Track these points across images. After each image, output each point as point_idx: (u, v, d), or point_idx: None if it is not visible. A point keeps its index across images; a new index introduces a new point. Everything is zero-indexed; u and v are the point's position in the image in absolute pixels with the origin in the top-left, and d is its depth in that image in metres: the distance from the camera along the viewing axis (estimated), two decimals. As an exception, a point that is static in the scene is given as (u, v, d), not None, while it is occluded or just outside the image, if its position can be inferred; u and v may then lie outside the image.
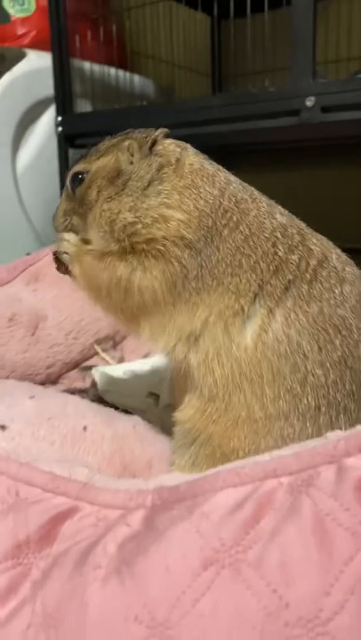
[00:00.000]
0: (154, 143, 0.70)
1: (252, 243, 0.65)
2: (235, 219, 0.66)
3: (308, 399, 0.63)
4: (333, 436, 0.46)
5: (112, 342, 1.28)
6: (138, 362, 1.16)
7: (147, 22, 1.90)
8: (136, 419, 0.75)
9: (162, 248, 0.66)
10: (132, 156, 0.70)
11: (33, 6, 1.91)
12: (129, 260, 0.67)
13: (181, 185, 0.67)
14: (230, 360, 0.64)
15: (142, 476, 0.66)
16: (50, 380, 1.13)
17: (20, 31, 1.92)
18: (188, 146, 0.73)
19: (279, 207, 0.71)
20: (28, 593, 0.45)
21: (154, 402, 0.95)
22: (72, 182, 0.74)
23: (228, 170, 0.74)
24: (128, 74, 1.93)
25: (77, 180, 0.74)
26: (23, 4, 1.91)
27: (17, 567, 0.47)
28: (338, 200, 1.98)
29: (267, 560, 0.38)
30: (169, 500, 0.48)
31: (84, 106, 1.84)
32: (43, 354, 1.12)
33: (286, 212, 0.71)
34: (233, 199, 0.67)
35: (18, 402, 0.70)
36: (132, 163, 0.70)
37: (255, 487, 0.43)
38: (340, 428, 0.62)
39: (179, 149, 0.71)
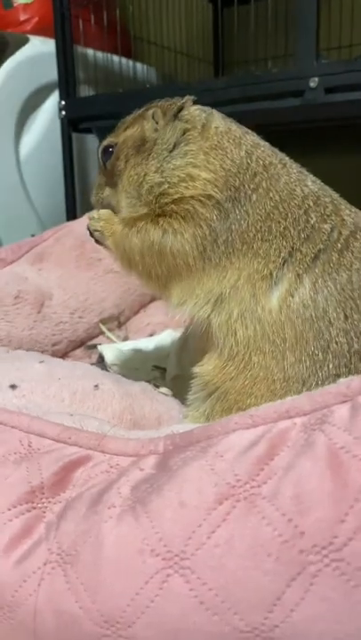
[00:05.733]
0: (179, 110, 0.71)
1: (282, 209, 0.66)
2: (264, 184, 0.66)
3: (328, 366, 0.63)
4: (345, 380, 0.47)
5: (117, 322, 1.28)
6: (143, 340, 1.16)
7: (149, 8, 1.90)
8: (145, 384, 0.76)
9: (190, 208, 0.66)
10: (157, 123, 0.71)
11: (35, -7, 1.91)
12: (160, 223, 0.68)
13: (207, 146, 0.68)
14: (254, 322, 0.65)
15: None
16: (56, 357, 1.13)
17: (23, 17, 1.92)
18: (215, 111, 0.74)
19: (310, 175, 0.71)
20: (42, 533, 0.45)
21: (160, 375, 0.95)
22: (103, 156, 0.76)
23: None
24: (130, 61, 1.93)
25: (108, 153, 0.75)
26: (26, -9, 1.92)
27: (32, 511, 0.47)
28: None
29: (282, 493, 0.39)
30: (181, 445, 0.48)
31: (86, 92, 1.84)
32: (49, 331, 1.12)
33: (318, 180, 0.71)
34: (261, 162, 0.68)
35: (27, 365, 0.71)
36: (156, 130, 0.71)
37: (269, 428, 0.43)
38: None
39: (204, 114, 0.72)
